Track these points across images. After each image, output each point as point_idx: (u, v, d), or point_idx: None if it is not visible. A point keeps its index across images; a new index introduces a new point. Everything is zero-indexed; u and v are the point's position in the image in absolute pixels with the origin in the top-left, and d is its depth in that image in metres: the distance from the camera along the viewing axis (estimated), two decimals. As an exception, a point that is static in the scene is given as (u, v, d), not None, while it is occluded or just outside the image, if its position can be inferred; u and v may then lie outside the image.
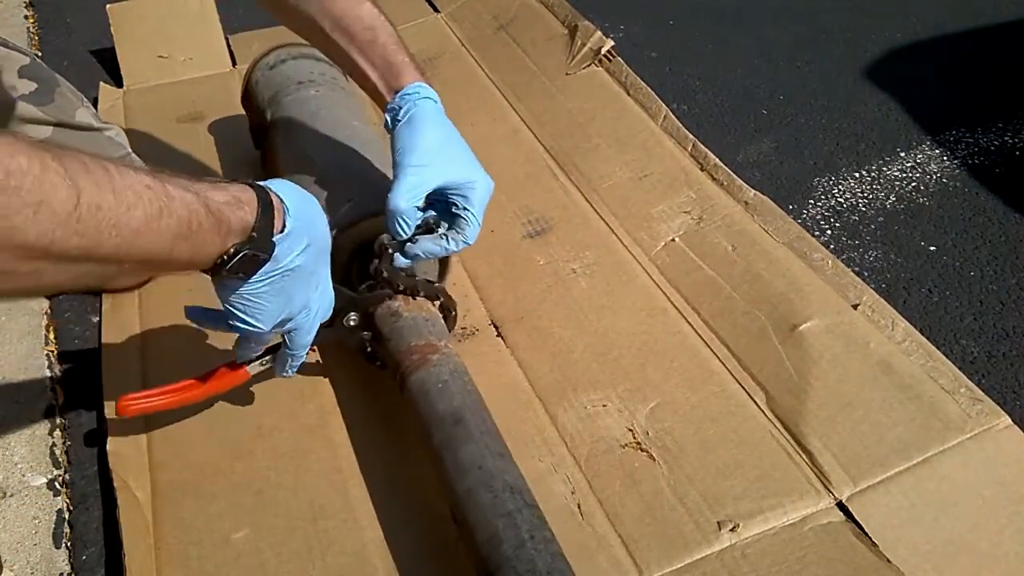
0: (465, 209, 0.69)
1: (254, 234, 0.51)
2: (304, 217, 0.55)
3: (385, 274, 0.71)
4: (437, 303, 0.75)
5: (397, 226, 0.67)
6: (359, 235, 0.74)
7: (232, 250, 0.50)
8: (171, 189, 0.45)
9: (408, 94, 0.69)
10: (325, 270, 0.62)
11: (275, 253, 0.53)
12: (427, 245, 0.70)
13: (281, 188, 0.55)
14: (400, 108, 0.69)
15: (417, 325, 0.71)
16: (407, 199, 0.66)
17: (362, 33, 0.70)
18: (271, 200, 0.52)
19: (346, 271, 0.76)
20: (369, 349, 0.74)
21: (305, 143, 0.86)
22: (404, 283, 0.72)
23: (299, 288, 0.58)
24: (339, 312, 0.69)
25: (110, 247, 0.42)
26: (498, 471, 0.60)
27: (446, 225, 0.70)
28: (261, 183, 0.54)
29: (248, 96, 0.99)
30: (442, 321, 0.75)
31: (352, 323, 0.72)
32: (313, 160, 0.82)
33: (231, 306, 0.56)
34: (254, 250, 0.51)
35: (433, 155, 0.67)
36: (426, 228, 0.70)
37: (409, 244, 0.70)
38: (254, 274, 0.53)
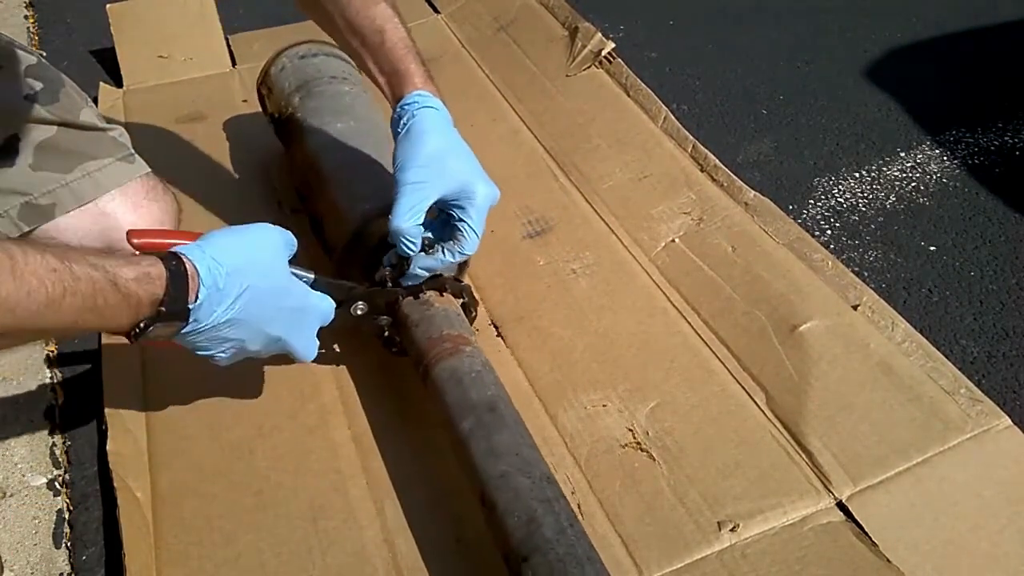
0: (461, 220, 0.68)
1: (162, 308, 0.52)
2: (230, 271, 0.55)
3: (401, 299, 0.72)
4: (460, 301, 0.76)
5: (402, 246, 0.67)
6: (384, 227, 0.74)
7: (142, 324, 0.51)
8: (77, 269, 0.47)
9: (408, 104, 0.68)
10: (292, 291, 0.61)
11: (195, 317, 0.53)
12: (425, 262, 0.70)
13: (199, 253, 0.54)
14: (400, 119, 0.69)
15: (449, 316, 0.72)
16: (407, 218, 0.66)
17: (371, 35, 0.69)
18: (185, 271, 0.53)
19: (373, 257, 0.75)
20: (387, 334, 0.74)
21: (339, 133, 0.87)
22: (428, 284, 0.73)
23: (254, 326, 0.58)
24: (343, 304, 0.69)
25: (5, 324, 0.44)
26: (534, 460, 0.61)
27: (443, 240, 0.70)
28: (179, 250, 0.54)
29: (269, 81, 0.99)
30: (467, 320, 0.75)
31: (360, 312, 0.71)
32: (348, 149, 0.84)
33: (184, 344, 0.57)
34: (164, 322, 0.52)
35: (430, 169, 0.66)
36: (422, 246, 0.69)
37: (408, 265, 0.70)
38: (176, 335, 0.54)
